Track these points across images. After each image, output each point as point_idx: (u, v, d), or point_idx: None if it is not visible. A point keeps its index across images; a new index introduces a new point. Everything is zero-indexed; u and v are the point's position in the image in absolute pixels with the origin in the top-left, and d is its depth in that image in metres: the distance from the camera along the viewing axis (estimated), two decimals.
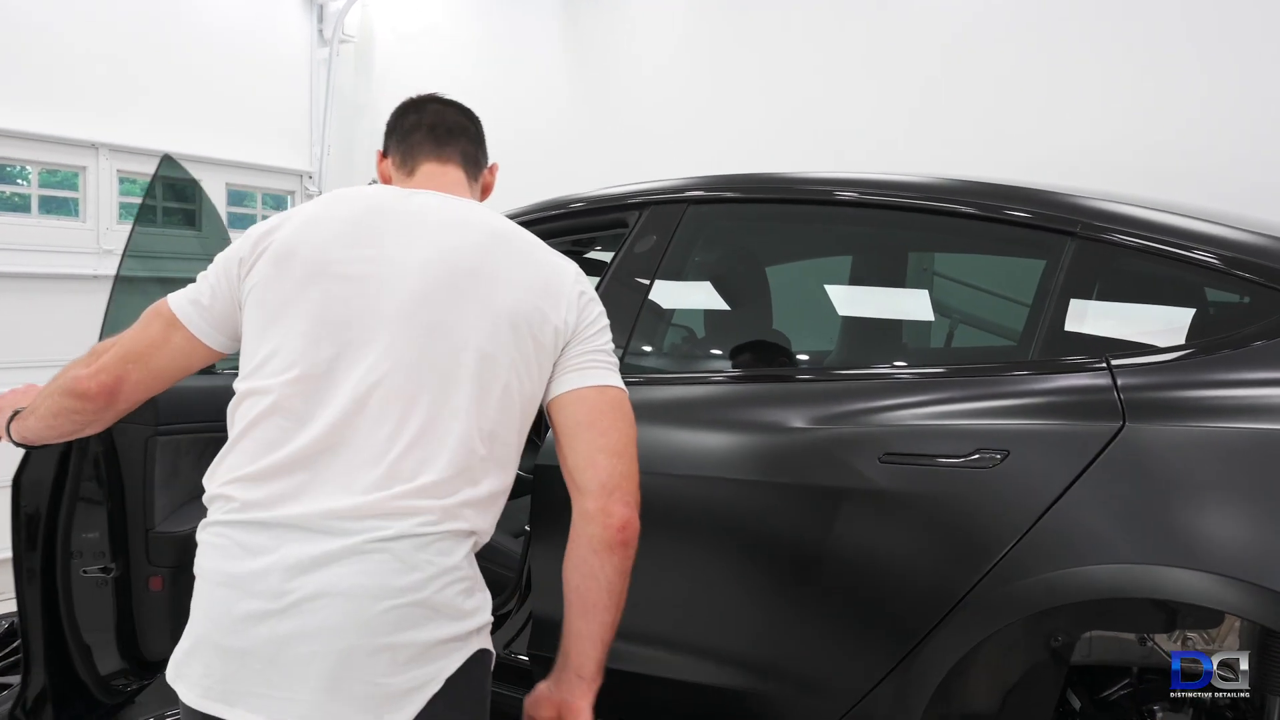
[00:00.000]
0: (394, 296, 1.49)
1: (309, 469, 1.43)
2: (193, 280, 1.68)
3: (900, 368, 2.08)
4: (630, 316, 2.24)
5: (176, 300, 1.62)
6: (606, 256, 3.25)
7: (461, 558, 1.45)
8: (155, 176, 2.91)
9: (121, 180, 8.06)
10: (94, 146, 7.72)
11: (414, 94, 1.86)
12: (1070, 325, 1.75)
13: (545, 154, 7.42)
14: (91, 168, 7.75)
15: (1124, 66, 4.44)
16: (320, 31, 9.37)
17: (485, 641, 1.50)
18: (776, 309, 2.36)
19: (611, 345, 1.67)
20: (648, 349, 2.29)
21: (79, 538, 2.38)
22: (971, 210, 1.93)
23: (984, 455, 1.65)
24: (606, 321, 1.69)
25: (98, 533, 2.38)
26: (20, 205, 7.56)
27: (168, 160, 2.97)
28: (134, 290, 2.69)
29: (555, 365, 1.59)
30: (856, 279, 2.45)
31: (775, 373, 2.17)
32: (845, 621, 1.83)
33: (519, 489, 3.16)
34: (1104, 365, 1.67)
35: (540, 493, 2.18)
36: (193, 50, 8.20)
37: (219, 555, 1.45)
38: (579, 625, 1.53)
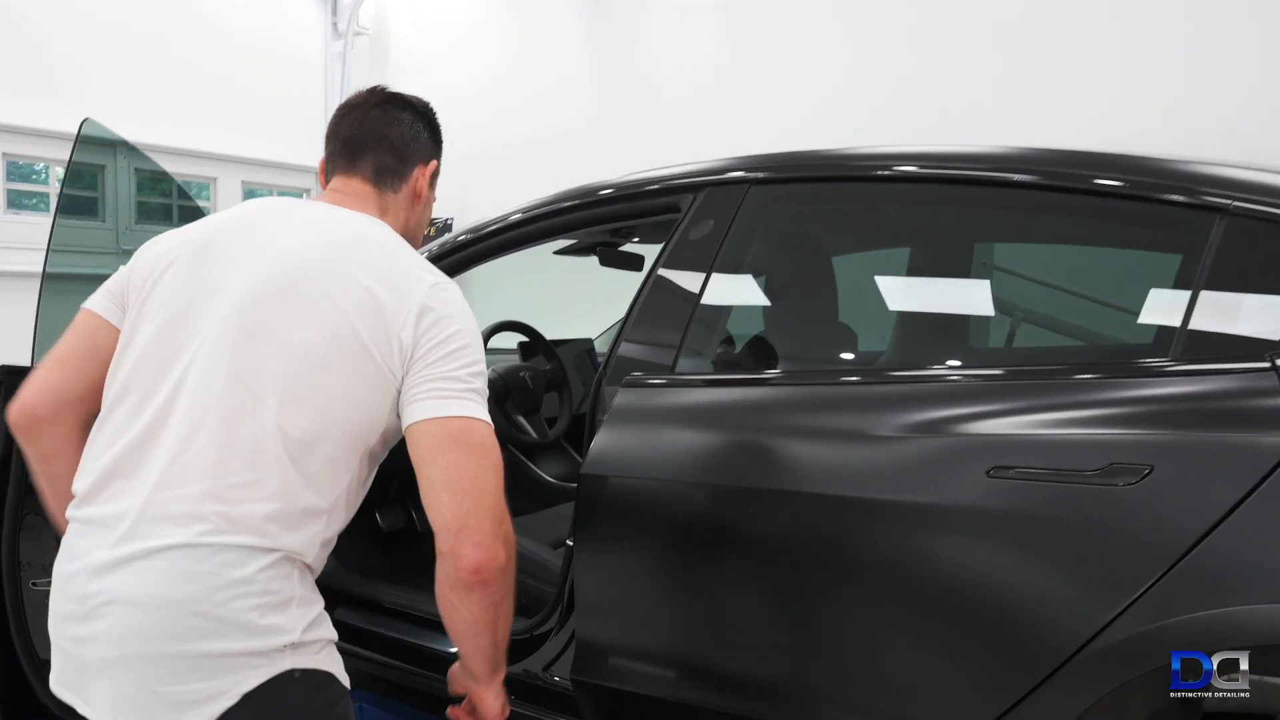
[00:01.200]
0: (224, 301, 1.48)
1: (125, 466, 1.43)
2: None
3: (1011, 367, 1.81)
4: (685, 311, 2.01)
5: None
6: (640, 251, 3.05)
7: (255, 571, 1.36)
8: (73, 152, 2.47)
9: (139, 178, 7.91)
10: (111, 145, 7.55)
11: (357, 91, 1.84)
12: (1221, 318, 1.51)
13: (567, 144, 7.22)
14: (110, 166, 7.60)
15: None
16: (334, 25, 9.18)
17: (307, 662, 1.41)
18: (858, 299, 2.13)
19: (471, 368, 1.52)
20: (705, 347, 2.06)
21: (25, 547, 2.14)
22: (1101, 187, 1.69)
23: (1121, 470, 1.41)
24: (465, 342, 1.53)
25: (45, 542, 2.12)
26: (39, 205, 7.42)
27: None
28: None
29: (400, 393, 1.50)
30: (954, 266, 2.18)
31: (859, 373, 1.93)
32: (942, 664, 1.60)
33: (562, 497, 2.97)
34: (1269, 365, 1.42)
35: (582, 504, 1.97)
36: (207, 46, 8.04)
37: (59, 555, 1.48)
38: (460, 645, 1.59)
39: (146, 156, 3.47)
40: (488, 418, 1.51)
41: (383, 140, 1.72)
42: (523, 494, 3.05)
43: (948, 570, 1.58)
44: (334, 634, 1.50)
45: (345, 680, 1.51)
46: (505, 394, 3.03)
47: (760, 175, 2.07)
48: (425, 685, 2.48)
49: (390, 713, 2.80)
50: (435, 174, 1.82)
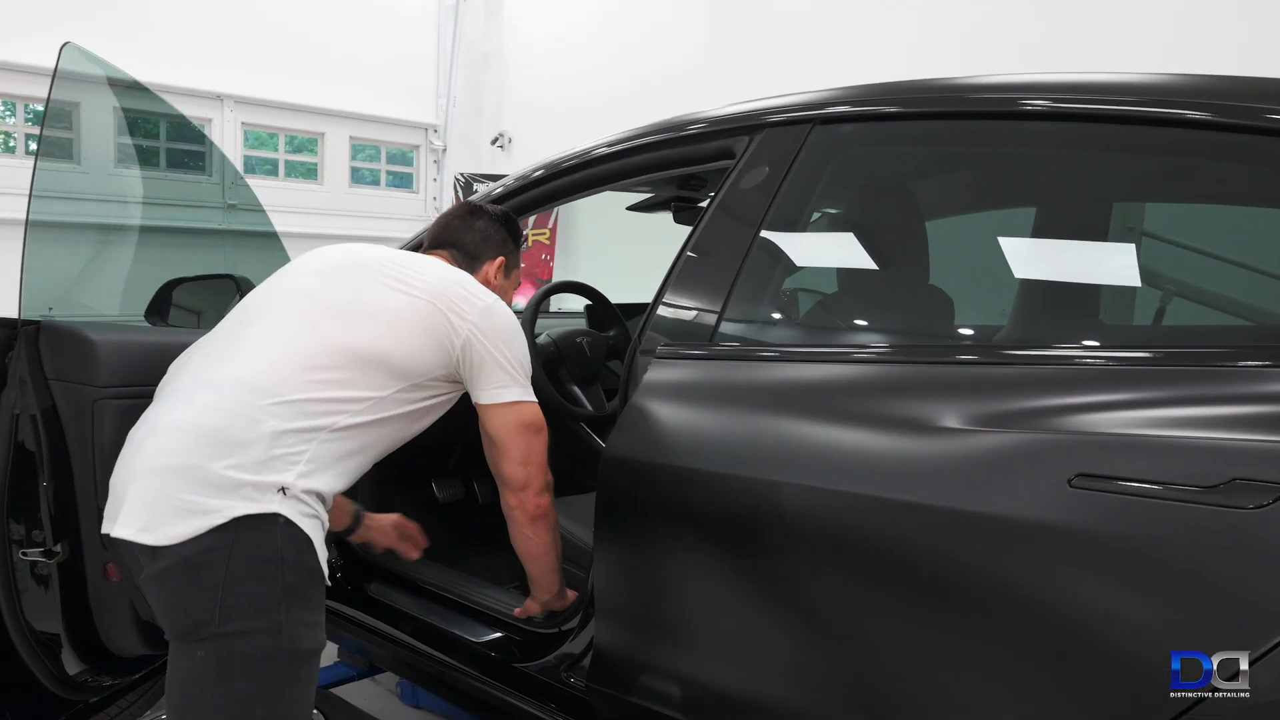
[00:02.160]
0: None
1: None
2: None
3: (1106, 351, 1.44)
4: (728, 274, 1.71)
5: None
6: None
7: (276, 422, 1.70)
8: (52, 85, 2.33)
9: (246, 133, 7.97)
10: (218, 97, 7.62)
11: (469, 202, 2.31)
12: None
13: (680, 87, 6.91)
14: (217, 120, 7.66)
15: None
16: None
17: (295, 517, 1.65)
18: (926, 264, 1.80)
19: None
20: (750, 316, 1.75)
21: (16, 515, 2.02)
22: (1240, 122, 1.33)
23: (1244, 487, 1.08)
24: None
25: (36, 510, 2.02)
26: (150, 159, 7.51)
27: (71, 54, 2.43)
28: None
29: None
30: (1044, 226, 1.80)
31: (920, 351, 1.59)
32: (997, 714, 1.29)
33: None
34: None
35: (603, 494, 1.72)
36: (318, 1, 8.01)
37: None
38: (534, 567, 2.11)
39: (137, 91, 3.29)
40: (532, 397, 1.95)
41: (457, 243, 2.16)
42: (586, 470, 2.82)
43: (1013, 601, 1.26)
44: (323, 519, 1.73)
45: (323, 568, 1.71)
46: (558, 361, 2.78)
47: (827, 111, 1.75)
48: (453, 678, 2.29)
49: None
50: (504, 266, 2.19)
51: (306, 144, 8.29)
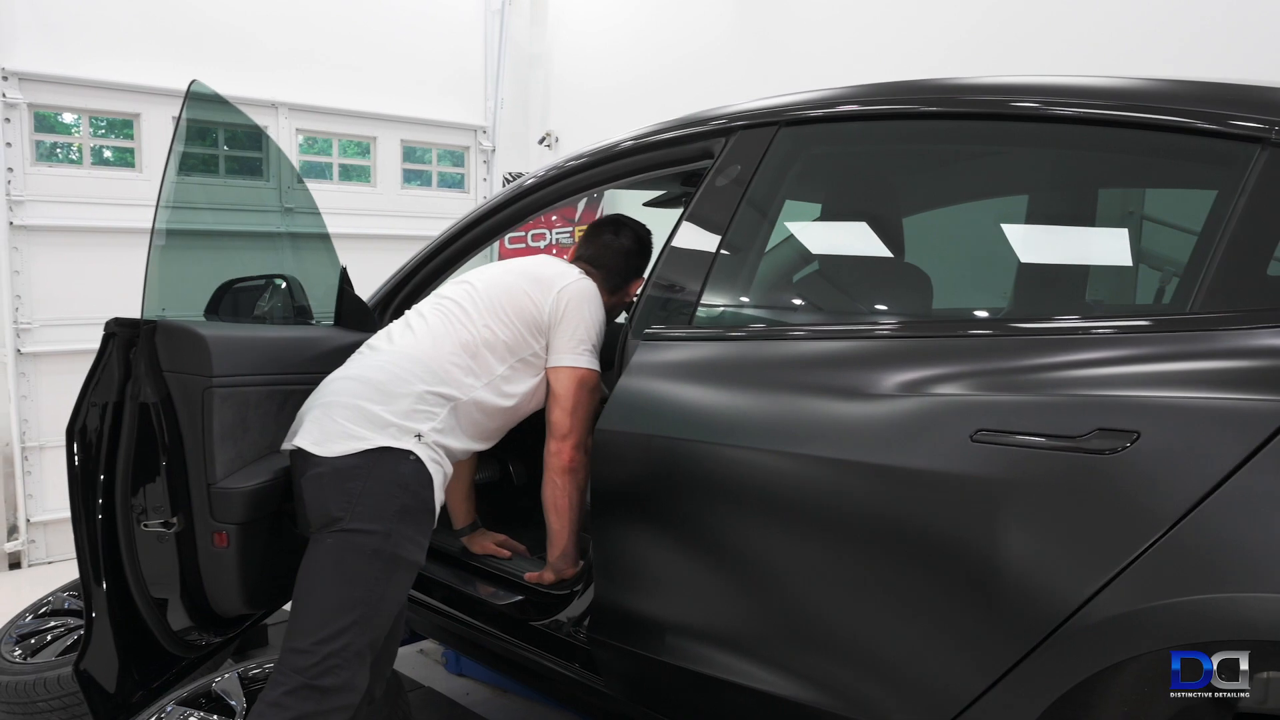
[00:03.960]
0: None
1: None
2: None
3: (1006, 322, 1.64)
4: (704, 262, 1.91)
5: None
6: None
7: (421, 384, 2.31)
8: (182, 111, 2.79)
9: (301, 139, 8.26)
10: (274, 105, 7.93)
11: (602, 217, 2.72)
12: (1254, 267, 1.30)
13: (706, 75, 7.09)
14: (272, 126, 7.97)
15: None
16: None
17: (424, 456, 2.19)
18: (861, 247, 1.97)
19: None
20: (722, 300, 1.95)
21: (138, 490, 2.29)
22: (1133, 118, 1.49)
23: (1105, 437, 1.25)
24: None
25: (157, 486, 2.29)
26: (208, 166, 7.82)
27: (198, 93, 2.84)
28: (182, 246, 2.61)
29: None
30: (964, 201, 1.99)
31: (851, 328, 1.78)
32: (916, 639, 1.47)
33: None
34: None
35: (598, 461, 1.92)
36: (366, 4, 8.27)
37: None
38: (556, 521, 2.47)
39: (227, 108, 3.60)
40: (593, 364, 2.38)
41: (603, 266, 2.64)
42: None
43: (926, 540, 1.45)
44: (446, 468, 2.27)
45: (435, 504, 2.22)
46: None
47: (791, 115, 1.94)
48: (478, 638, 2.51)
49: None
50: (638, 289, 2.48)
51: (359, 148, 8.58)
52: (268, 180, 3.45)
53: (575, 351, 2.34)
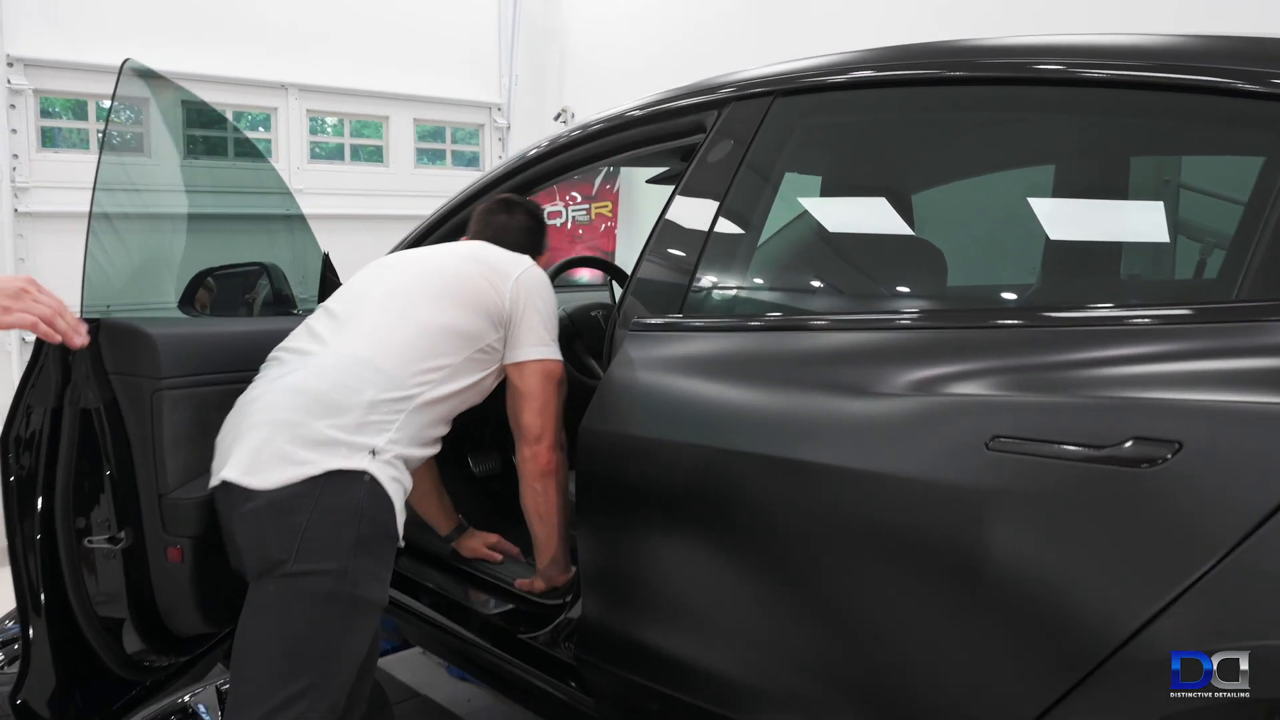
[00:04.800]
0: None
1: None
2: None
3: (1025, 311, 1.45)
4: (695, 247, 1.75)
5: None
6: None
7: (372, 391, 1.97)
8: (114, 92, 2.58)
9: (311, 119, 8.14)
10: (284, 87, 7.80)
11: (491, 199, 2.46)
12: None
13: (737, 57, 6.88)
14: (282, 108, 7.85)
15: None
16: None
17: (381, 477, 1.86)
18: (866, 230, 1.79)
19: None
20: (714, 288, 1.78)
21: (81, 504, 2.11)
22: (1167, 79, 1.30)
23: (1140, 448, 1.08)
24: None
25: (102, 499, 2.11)
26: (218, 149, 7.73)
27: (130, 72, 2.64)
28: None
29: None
30: (1010, 192, 1.79)
31: (853, 317, 1.60)
32: (929, 674, 1.31)
33: None
34: None
35: (582, 463, 1.77)
36: None
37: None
38: (540, 527, 2.26)
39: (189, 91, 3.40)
40: (559, 355, 2.15)
41: (508, 240, 2.35)
42: None
43: (936, 563, 1.28)
44: (406, 483, 1.95)
45: (398, 530, 1.90)
46: (574, 335, 2.84)
47: (787, 84, 1.76)
48: (464, 649, 2.37)
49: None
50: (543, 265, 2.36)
51: (371, 127, 8.43)
52: (230, 159, 3.28)
53: (541, 343, 2.11)
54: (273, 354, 2.08)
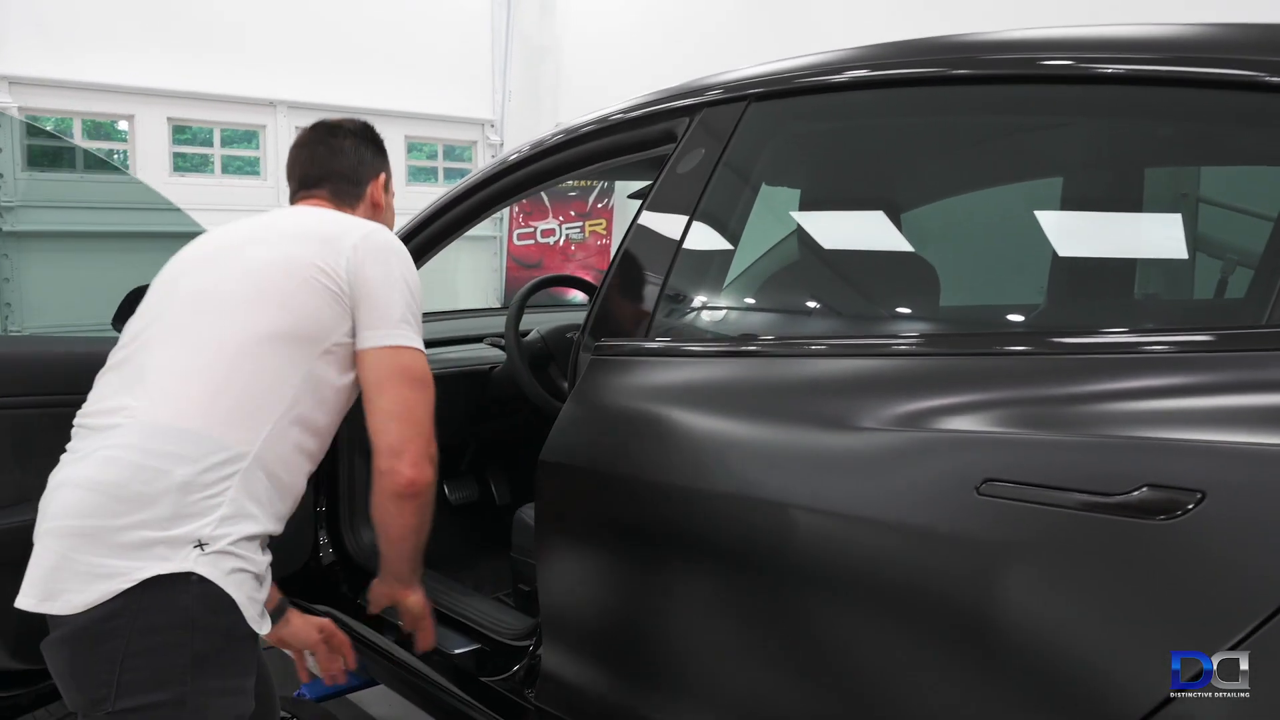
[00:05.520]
0: None
1: None
2: None
3: (1025, 336, 1.29)
4: (662, 265, 1.60)
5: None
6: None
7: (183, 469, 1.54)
8: None
9: None
10: (272, 104, 7.72)
11: (302, 131, 1.98)
12: None
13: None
14: (270, 125, 7.76)
15: None
16: None
17: (212, 574, 1.47)
18: (850, 246, 1.65)
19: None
20: (682, 309, 1.64)
21: None
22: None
23: (1156, 496, 0.93)
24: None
25: None
26: (204, 166, 7.65)
27: None
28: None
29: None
30: (998, 205, 1.64)
31: (833, 342, 1.44)
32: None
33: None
34: None
35: (541, 499, 1.63)
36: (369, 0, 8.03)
37: None
38: (391, 550, 1.79)
39: None
40: (420, 344, 1.69)
41: (334, 174, 1.91)
42: None
43: (920, 619, 1.13)
44: (256, 568, 1.53)
45: (251, 626, 1.51)
46: (547, 357, 2.69)
47: (762, 88, 1.62)
48: (425, 689, 2.22)
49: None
50: (387, 181, 2.02)
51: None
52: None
53: (387, 324, 1.63)
54: (78, 417, 1.63)
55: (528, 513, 2.45)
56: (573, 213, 8.37)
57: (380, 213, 1.97)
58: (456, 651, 2.20)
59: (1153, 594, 0.94)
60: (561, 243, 8.41)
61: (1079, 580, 0.99)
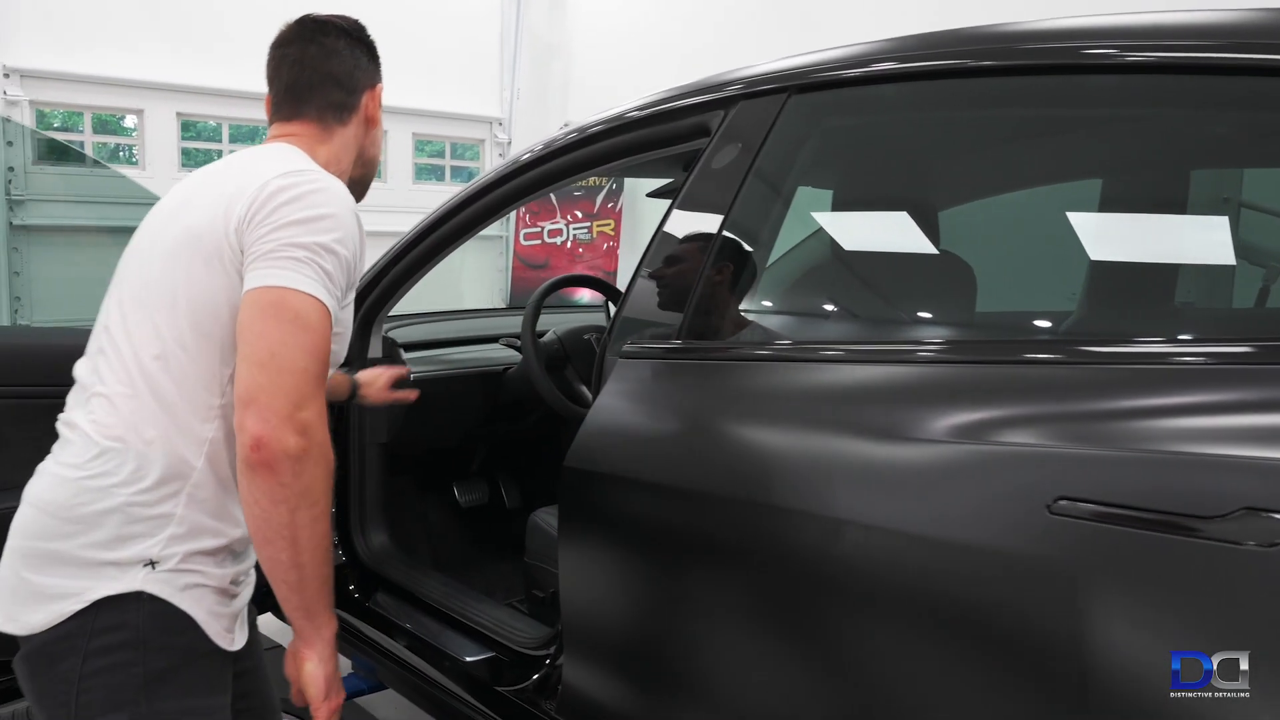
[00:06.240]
0: None
1: None
2: None
3: (1097, 343, 1.21)
4: (696, 261, 1.53)
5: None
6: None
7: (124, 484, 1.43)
8: None
9: None
10: None
11: (285, 24, 1.68)
12: None
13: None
14: None
15: None
16: None
17: (164, 592, 1.39)
18: (899, 247, 1.57)
19: (305, 237, 1.37)
20: (719, 309, 1.57)
21: None
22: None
23: (1254, 522, 0.86)
24: (306, 214, 1.38)
25: None
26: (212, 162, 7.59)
27: None
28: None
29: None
30: (1061, 202, 1.56)
31: (886, 348, 1.37)
32: None
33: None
34: None
35: (565, 505, 1.56)
36: None
37: None
38: (260, 557, 1.40)
39: None
40: (316, 291, 1.36)
41: (328, 79, 1.63)
42: None
43: (986, 647, 1.06)
44: (216, 581, 1.44)
45: (223, 639, 1.44)
46: (564, 359, 2.63)
47: (803, 79, 1.55)
48: (439, 698, 2.15)
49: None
50: (381, 94, 1.73)
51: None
52: None
53: (273, 264, 1.35)
54: (59, 417, 1.52)
55: (543, 517, 2.39)
56: (580, 213, 8.31)
57: (373, 129, 1.73)
58: (469, 659, 2.14)
59: (1253, 631, 0.87)
60: (570, 244, 8.34)
61: (1161, 610, 0.92)
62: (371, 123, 1.71)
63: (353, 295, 1.56)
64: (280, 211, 1.37)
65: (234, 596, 1.48)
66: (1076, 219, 1.40)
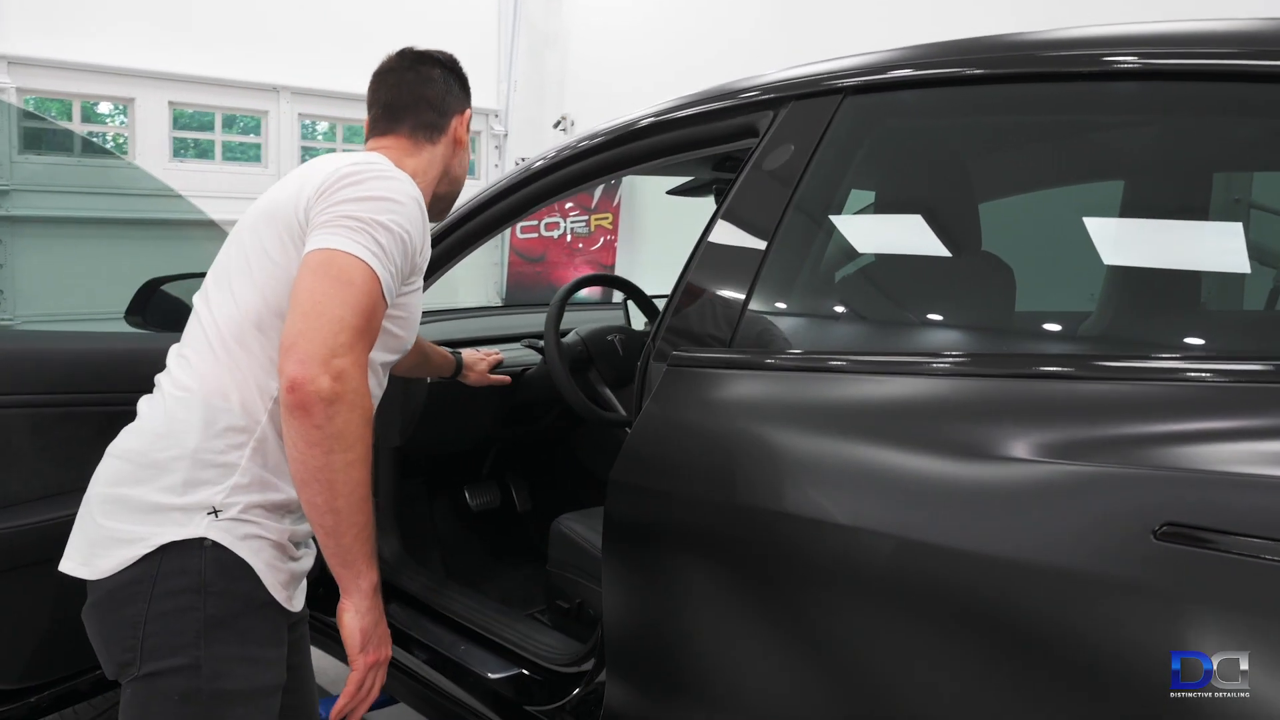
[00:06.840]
0: None
1: None
2: None
3: (1214, 360, 1.16)
4: (750, 266, 1.48)
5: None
6: None
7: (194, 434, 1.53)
8: None
9: (303, 123, 7.90)
10: (275, 90, 7.57)
11: (388, 56, 1.85)
12: None
13: (743, 69, 6.66)
14: (273, 112, 7.61)
15: None
16: None
17: (225, 539, 1.47)
18: (982, 257, 1.53)
19: (357, 205, 1.48)
20: (772, 317, 1.51)
21: None
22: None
23: None
24: (360, 192, 1.49)
25: None
26: (205, 152, 7.49)
27: None
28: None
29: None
30: (1136, 204, 1.50)
31: (957, 359, 1.32)
32: None
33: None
34: None
35: (611, 520, 1.51)
36: None
37: None
38: (301, 499, 1.48)
39: None
40: (363, 254, 1.45)
41: (421, 100, 1.80)
42: None
43: (1088, 682, 1.01)
44: (277, 535, 1.51)
45: (270, 594, 1.50)
46: (587, 361, 2.56)
47: (860, 80, 1.50)
48: (461, 716, 2.09)
49: None
50: (469, 120, 1.90)
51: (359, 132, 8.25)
52: None
53: (325, 230, 1.44)
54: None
55: (568, 525, 2.33)
56: (577, 207, 8.24)
57: (461, 150, 1.89)
58: (493, 676, 2.08)
59: None
60: (567, 238, 8.27)
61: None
62: (459, 144, 1.87)
63: (419, 282, 1.68)
64: (343, 190, 1.49)
65: (293, 559, 1.56)
66: (1175, 226, 1.34)
